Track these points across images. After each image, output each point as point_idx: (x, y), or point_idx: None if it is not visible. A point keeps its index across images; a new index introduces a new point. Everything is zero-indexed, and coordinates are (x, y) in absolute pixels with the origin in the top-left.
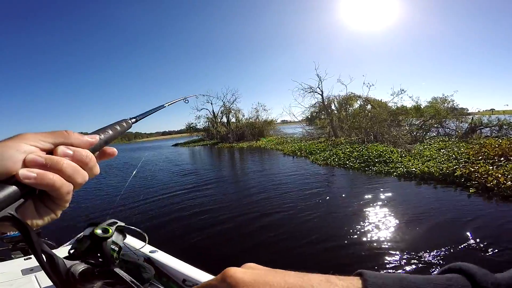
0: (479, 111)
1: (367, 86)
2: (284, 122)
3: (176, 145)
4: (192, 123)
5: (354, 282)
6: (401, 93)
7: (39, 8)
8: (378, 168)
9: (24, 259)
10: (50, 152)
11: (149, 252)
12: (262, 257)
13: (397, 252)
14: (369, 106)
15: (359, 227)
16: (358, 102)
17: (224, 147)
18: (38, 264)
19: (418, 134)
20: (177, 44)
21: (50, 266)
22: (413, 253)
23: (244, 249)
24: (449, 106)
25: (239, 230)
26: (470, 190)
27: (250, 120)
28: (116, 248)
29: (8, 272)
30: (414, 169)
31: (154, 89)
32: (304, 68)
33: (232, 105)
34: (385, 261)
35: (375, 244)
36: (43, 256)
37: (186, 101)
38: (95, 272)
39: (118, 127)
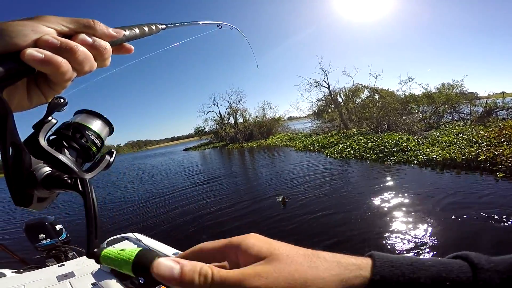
0: (489, 94)
1: (373, 76)
2: (291, 118)
3: (186, 149)
4: (200, 127)
5: (364, 261)
6: (409, 81)
7: None
8: (397, 157)
9: (58, 266)
10: (69, 37)
11: (173, 254)
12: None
13: (430, 245)
14: (376, 96)
15: (386, 222)
16: (365, 92)
17: (234, 147)
18: (72, 270)
19: (432, 120)
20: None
21: (13, 162)
22: (446, 246)
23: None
24: (457, 91)
25: (259, 226)
26: (498, 175)
27: (258, 119)
28: (99, 143)
29: (44, 279)
30: (434, 156)
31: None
32: (308, 63)
33: (238, 106)
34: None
35: (405, 241)
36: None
37: (220, 27)
38: (63, 180)
39: (146, 29)
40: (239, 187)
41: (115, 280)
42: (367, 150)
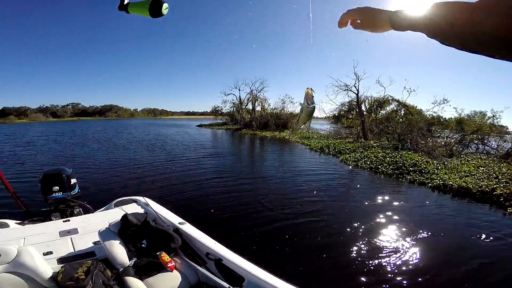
0: None
1: (407, 91)
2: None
3: (200, 125)
4: (218, 106)
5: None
6: (444, 102)
7: None
8: (413, 177)
9: (63, 221)
10: None
11: (178, 223)
12: (275, 240)
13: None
14: (402, 111)
15: (381, 235)
16: (392, 106)
17: (247, 133)
18: (76, 227)
19: (455, 148)
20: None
21: None
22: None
23: (257, 230)
24: (489, 121)
25: (257, 214)
26: (508, 210)
27: (276, 110)
28: None
29: (46, 233)
30: (451, 182)
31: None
32: (340, 65)
33: (259, 93)
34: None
35: (393, 260)
36: None
37: None
38: None
39: None
40: (245, 170)
41: (119, 242)
42: (384, 164)
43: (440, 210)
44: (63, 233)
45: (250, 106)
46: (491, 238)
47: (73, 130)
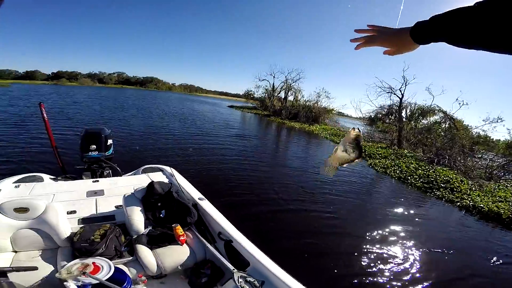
0: None
1: (459, 103)
2: (341, 113)
3: (231, 106)
4: (250, 91)
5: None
6: (497, 121)
7: None
8: (442, 193)
9: (93, 181)
10: None
11: (198, 199)
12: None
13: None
14: (446, 125)
15: (399, 246)
16: (435, 117)
17: (275, 121)
18: (102, 189)
19: (496, 172)
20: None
21: None
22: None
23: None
24: None
25: (269, 207)
26: None
27: (309, 102)
28: None
29: (75, 192)
30: (482, 204)
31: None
32: (387, 66)
33: (294, 83)
34: None
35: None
36: None
37: None
38: None
39: None
40: (267, 156)
41: (140, 209)
42: (414, 176)
43: (459, 228)
44: (90, 193)
45: (282, 95)
46: (501, 261)
47: (115, 96)
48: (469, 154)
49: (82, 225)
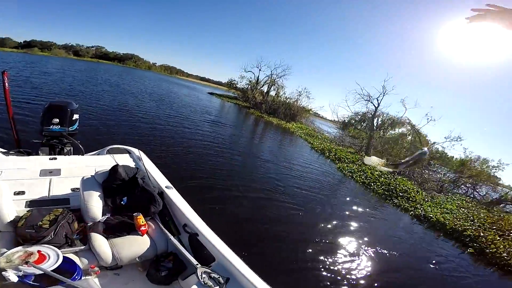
0: (509, 185)
1: (427, 119)
2: (317, 115)
3: (211, 93)
4: (233, 80)
5: None
6: (457, 140)
7: None
8: (399, 201)
9: (49, 159)
10: None
11: (165, 187)
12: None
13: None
14: (409, 137)
15: (351, 243)
16: (402, 129)
17: (254, 114)
18: (60, 168)
19: (447, 186)
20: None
21: None
22: None
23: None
24: (488, 171)
25: (237, 194)
26: (469, 250)
27: (289, 100)
28: None
29: (27, 169)
30: (431, 215)
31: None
32: (367, 73)
33: (278, 79)
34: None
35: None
36: None
37: None
38: None
39: None
40: (241, 145)
41: (99, 194)
42: (377, 183)
43: (407, 234)
44: (44, 173)
45: (265, 89)
46: (439, 267)
47: (89, 70)
48: (426, 167)
49: (30, 209)
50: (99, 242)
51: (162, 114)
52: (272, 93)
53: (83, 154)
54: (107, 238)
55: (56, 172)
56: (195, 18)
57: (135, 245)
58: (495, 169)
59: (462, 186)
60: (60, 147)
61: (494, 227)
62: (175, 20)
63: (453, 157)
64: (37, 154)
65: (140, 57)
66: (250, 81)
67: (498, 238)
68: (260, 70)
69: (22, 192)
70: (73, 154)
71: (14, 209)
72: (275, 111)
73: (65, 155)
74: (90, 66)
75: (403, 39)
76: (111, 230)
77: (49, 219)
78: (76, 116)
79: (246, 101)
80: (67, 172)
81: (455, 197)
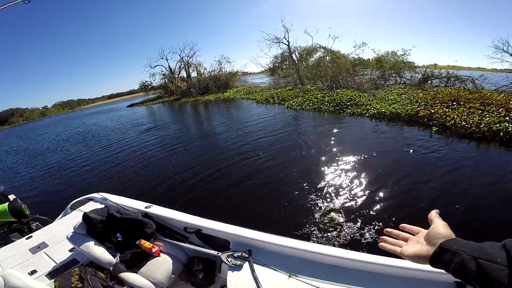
0: (423, 65)
1: (332, 38)
2: (245, 73)
3: (132, 105)
4: (146, 81)
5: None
6: (363, 45)
7: None
8: (351, 110)
9: (26, 239)
10: None
11: (145, 207)
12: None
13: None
14: (328, 57)
15: (339, 162)
16: (319, 53)
17: (188, 101)
18: (43, 241)
19: (378, 82)
20: None
21: None
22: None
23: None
24: (400, 59)
25: (214, 176)
26: (433, 129)
27: (213, 73)
28: None
29: (18, 254)
30: (383, 110)
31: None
32: (269, 20)
33: (191, 59)
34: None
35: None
36: None
37: (27, 1)
38: None
39: None
40: (192, 133)
41: (93, 242)
42: (325, 103)
43: (378, 135)
44: (34, 250)
45: (184, 74)
46: (421, 153)
47: None
48: (354, 73)
49: (54, 279)
50: (133, 277)
51: (97, 150)
52: (194, 74)
53: (51, 222)
54: (135, 272)
55: (43, 246)
56: (62, 39)
57: (161, 266)
58: (403, 56)
59: (390, 78)
60: (26, 227)
61: (437, 101)
62: (48, 49)
63: (369, 59)
64: (12, 241)
65: (24, 108)
66: (164, 74)
67: (446, 109)
68: (167, 60)
69: (35, 271)
70: (43, 227)
71: (41, 285)
72: (206, 89)
73: (36, 231)
74: None
75: None
76: (132, 264)
77: (76, 279)
78: (12, 196)
79: (172, 94)
80: (52, 241)
81: (390, 88)
